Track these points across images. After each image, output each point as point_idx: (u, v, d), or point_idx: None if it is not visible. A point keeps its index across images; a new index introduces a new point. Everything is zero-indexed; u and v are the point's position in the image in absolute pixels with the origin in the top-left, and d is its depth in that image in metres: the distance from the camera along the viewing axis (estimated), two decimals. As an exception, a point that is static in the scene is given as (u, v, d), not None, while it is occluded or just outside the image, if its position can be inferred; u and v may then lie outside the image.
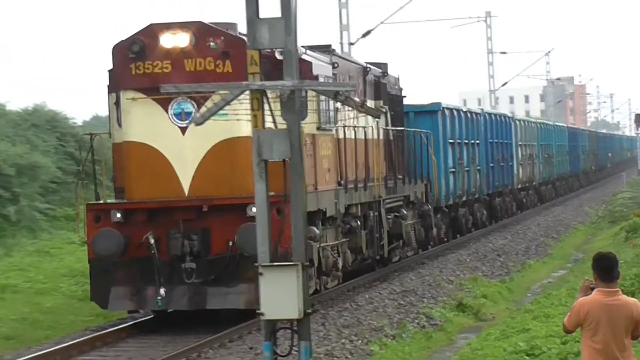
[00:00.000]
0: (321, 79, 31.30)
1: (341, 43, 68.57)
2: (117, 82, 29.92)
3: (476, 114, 67.90)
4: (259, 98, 16.23)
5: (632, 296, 15.82)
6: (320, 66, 32.16)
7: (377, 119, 43.62)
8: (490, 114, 71.98)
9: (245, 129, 28.31)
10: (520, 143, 78.69)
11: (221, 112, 24.07)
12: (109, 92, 32.56)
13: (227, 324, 33.03)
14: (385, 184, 41.78)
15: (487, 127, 69.59)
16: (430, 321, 34.23)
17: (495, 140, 73.40)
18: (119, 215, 29.47)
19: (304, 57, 31.24)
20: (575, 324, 15.68)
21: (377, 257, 42.39)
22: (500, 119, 75.85)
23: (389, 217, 42.44)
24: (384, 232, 41.61)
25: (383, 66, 42.01)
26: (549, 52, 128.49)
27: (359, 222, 37.62)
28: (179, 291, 29.38)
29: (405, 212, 44.43)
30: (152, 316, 33.88)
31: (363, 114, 39.41)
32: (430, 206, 50.79)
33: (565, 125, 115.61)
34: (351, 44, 69.97)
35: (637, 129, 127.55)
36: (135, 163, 30.11)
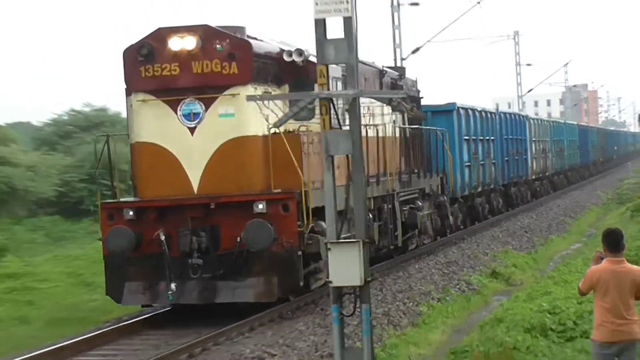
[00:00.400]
0: (330, 80, 24.66)
1: (395, 59, 66.74)
2: (128, 85, 28.57)
3: (491, 113, 64.47)
4: (326, 105, 15.80)
5: (636, 264, 16.27)
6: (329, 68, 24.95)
7: (396, 116, 40.56)
8: (505, 114, 68.61)
9: (252, 128, 27.98)
10: (534, 139, 74.62)
11: (228, 112, 27.88)
12: (126, 95, 30.74)
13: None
14: (399, 178, 38.62)
15: (502, 125, 66.14)
16: (469, 286, 35.08)
17: (510, 137, 68.90)
18: (131, 213, 27.72)
19: (312, 59, 28.36)
20: (589, 287, 15.93)
21: (392, 247, 38.81)
22: (515, 118, 72.30)
23: (405, 208, 39.32)
24: (398, 223, 38.51)
25: (400, 70, 39.50)
26: (567, 63, 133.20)
27: (371, 215, 33.94)
28: (189, 286, 27.31)
29: (420, 203, 40.95)
30: (168, 308, 31.57)
31: (381, 114, 37.81)
32: (446, 197, 46.99)
33: (575, 123, 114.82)
34: (403, 59, 67.30)
35: (637, 124, 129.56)
36: (146, 163, 28.45)
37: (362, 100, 24.65)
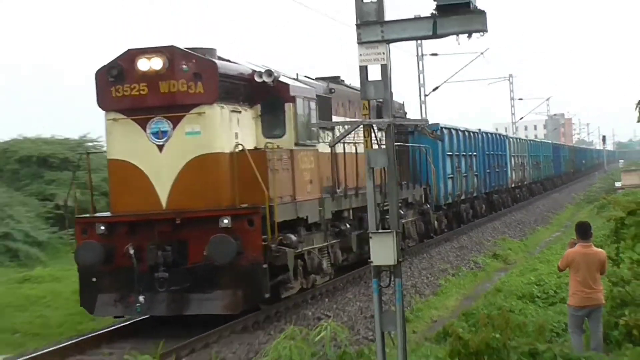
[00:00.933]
0: (299, 99, 27.07)
1: (419, 95, 72.57)
2: (100, 104, 24.83)
3: (474, 132, 59.30)
4: (368, 130, 15.88)
5: (601, 248, 17.68)
6: (299, 88, 27.53)
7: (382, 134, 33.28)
8: (487, 133, 65.04)
9: (218, 145, 24.31)
10: (513, 154, 70.95)
11: (194, 130, 24.10)
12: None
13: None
14: (381, 190, 29.22)
15: (484, 142, 62.16)
16: (476, 265, 37.67)
17: (492, 152, 63.82)
18: (102, 227, 24.11)
19: (282, 79, 26.77)
20: (565, 265, 17.29)
21: None
22: (496, 137, 68.30)
23: (387, 217, 30.90)
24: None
25: None
26: (548, 98, 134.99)
27: (348, 225, 31.13)
28: (158, 298, 23.57)
29: (403, 212, 34.78)
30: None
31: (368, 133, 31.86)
32: (429, 205, 41.98)
33: (550, 141, 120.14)
34: (426, 95, 72.17)
35: (603, 145, 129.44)
36: (117, 179, 25.00)
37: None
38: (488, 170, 61.91)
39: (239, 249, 22.89)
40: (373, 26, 14.17)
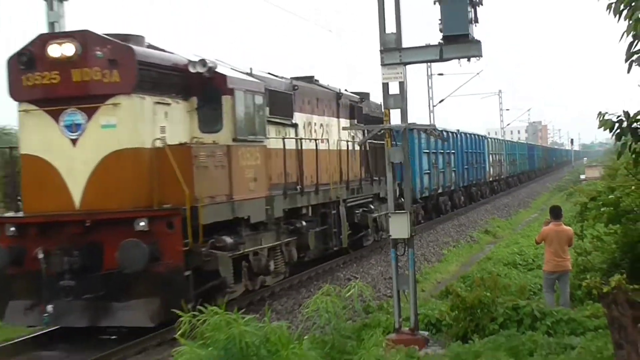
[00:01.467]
0: (239, 92, 21.05)
1: (429, 106, 72.49)
2: (11, 94, 19.18)
3: (452, 132, 53.48)
4: (388, 132, 15.76)
5: (569, 226, 18.15)
6: (239, 80, 21.55)
7: (352, 135, 30.74)
8: (466, 134, 58.78)
9: (136, 140, 18.75)
10: (491, 152, 65.09)
11: (110, 123, 18.52)
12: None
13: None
14: (347, 186, 28.36)
15: (463, 142, 56.15)
16: (472, 238, 37.98)
17: (471, 151, 57.31)
18: (12, 229, 18.61)
19: (220, 70, 21.17)
20: (541, 239, 17.90)
21: (336, 248, 28.53)
22: (475, 137, 62.12)
23: (357, 212, 29.94)
24: (343, 227, 28.24)
25: (362, 94, 30.70)
26: (529, 109, 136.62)
27: (305, 223, 25.62)
28: (70, 307, 18.05)
29: (372, 206, 31.03)
30: None
31: (337, 131, 29.13)
32: (403, 199, 31.48)
33: (525, 142, 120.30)
34: (434, 106, 71.96)
35: (571, 146, 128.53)
36: (29, 176, 19.09)
37: (319, 119, 26.88)
38: (466, 167, 56.98)
39: (156, 254, 18.07)
40: (393, 52, 14.86)
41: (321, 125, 27.21)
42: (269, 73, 25.31)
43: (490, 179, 67.29)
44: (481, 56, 15.20)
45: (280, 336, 5.13)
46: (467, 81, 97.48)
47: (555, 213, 17.66)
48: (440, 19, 14.74)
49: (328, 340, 5.39)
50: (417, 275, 15.56)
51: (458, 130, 58.46)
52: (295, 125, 25.39)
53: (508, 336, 13.18)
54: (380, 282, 22.67)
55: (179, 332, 5.25)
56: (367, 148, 31.42)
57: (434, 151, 46.13)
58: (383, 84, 15.00)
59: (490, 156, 66.67)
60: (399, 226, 15.04)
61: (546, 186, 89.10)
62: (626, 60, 10.65)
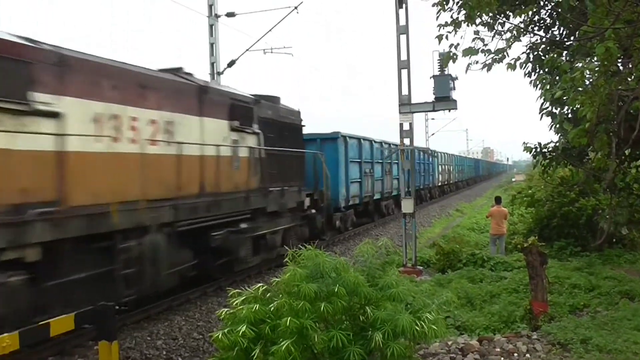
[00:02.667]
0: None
1: (425, 137, 61.39)
2: None
3: (394, 144, 29.18)
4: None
5: (505, 208, 17.20)
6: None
7: (243, 137, 13.89)
8: (418, 149, 34.38)
9: None
10: (440, 163, 47.22)
11: None
12: None
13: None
14: (247, 196, 13.47)
15: (417, 155, 36.64)
16: (449, 214, 34.77)
17: (421, 162, 36.72)
18: None
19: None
20: (489, 215, 17.20)
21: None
22: (426, 152, 42.03)
23: (216, 233, 12.41)
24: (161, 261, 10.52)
25: (276, 99, 16.49)
26: (483, 140, 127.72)
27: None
28: None
29: (245, 225, 13.51)
30: None
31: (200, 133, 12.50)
32: (317, 210, 19.11)
33: (473, 157, 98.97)
34: (429, 136, 61.99)
35: (507, 162, 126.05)
36: None
37: (147, 114, 10.31)
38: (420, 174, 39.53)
39: None
40: (406, 105, 14.29)
41: (152, 121, 10.82)
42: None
43: (439, 184, 48.30)
44: (457, 109, 15.33)
45: (343, 264, 5.29)
46: (448, 123, 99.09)
47: (497, 200, 17.33)
48: (433, 87, 14.63)
49: (366, 269, 5.49)
50: (416, 234, 15.34)
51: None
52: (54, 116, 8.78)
53: (468, 271, 12.92)
54: (395, 238, 21.07)
55: (286, 259, 5.40)
56: (262, 155, 14.79)
57: (367, 160, 25.97)
58: (400, 123, 14.43)
59: (439, 166, 48.06)
60: (407, 205, 14.47)
61: (492, 185, 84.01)
62: (539, 113, 10.72)
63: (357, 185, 25.04)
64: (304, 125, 18.93)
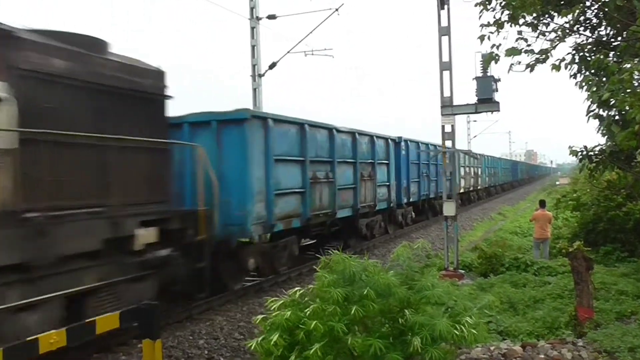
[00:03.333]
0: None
1: (467, 139, 61.91)
2: None
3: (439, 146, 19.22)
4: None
5: (549, 211, 16.94)
6: None
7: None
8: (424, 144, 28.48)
9: None
10: (462, 165, 35.30)
11: None
12: None
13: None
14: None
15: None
16: (491, 217, 33.94)
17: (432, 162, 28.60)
18: None
19: None
20: (533, 219, 16.85)
21: None
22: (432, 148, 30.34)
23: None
24: None
25: (93, 42, 8.11)
26: (527, 142, 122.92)
27: None
28: None
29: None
30: None
31: None
32: (203, 236, 10.08)
33: (509, 158, 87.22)
34: (471, 138, 52.46)
35: (550, 164, 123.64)
36: None
37: None
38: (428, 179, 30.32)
39: None
40: (448, 107, 14.05)
41: None
42: None
43: (462, 190, 37.66)
44: (499, 111, 15.13)
45: (373, 267, 5.27)
46: (490, 125, 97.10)
47: (542, 203, 17.05)
48: (476, 89, 14.45)
49: (404, 273, 5.43)
50: (458, 237, 15.14)
51: (400, 139, 31.09)
52: None
53: (511, 275, 12.74)
54: (436, 241, 21.22)
55: (320, 266, 5.36)
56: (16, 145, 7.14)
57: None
58: (442, 125, 14.16)
59: (462, 169, 37.97)
60: (449, 208, 14.17)
61: (535, 188, 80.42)
62: (586, 115, 10.46)
63: (300, 197, 15.81)
64: (169, 97, 10.14)
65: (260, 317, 5.44)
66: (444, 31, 14.14)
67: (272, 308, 5.37)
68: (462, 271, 14.80)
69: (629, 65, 7.75)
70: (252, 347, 5.08)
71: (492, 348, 7.69)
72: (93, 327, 4.94)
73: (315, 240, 18.30)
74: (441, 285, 5.46)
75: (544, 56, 8.96)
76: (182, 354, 9.36)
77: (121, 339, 9.36)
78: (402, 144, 22.64)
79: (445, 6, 14.16)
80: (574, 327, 8.63)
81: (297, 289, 5.61)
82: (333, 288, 5.07)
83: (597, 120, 10.88)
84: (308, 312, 5.15)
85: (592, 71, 10.96)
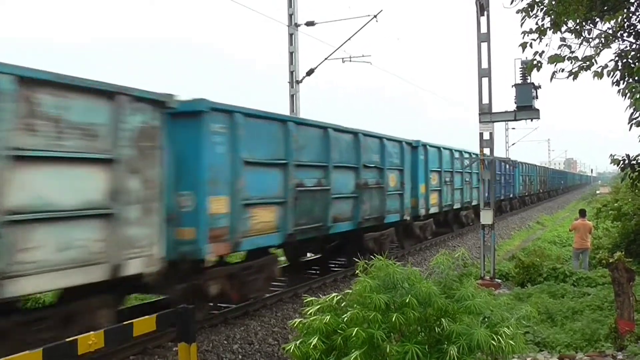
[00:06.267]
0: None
1: (505, 146, 57.81)
2: None
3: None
4: (483, 161, 14.11)
5: (589, 221, 16.86)
6: None
7: None
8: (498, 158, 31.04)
9: None
10: (521, 174, 40.43)
11: None
12: None
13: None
14: None
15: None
16: (529, 226, 33.78)
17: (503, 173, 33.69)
18: None
19: None
20: (572, 229, 16.75)
21: None
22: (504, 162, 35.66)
23: None
24: None
25: None
26: (566, 150, 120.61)
27: None
28: None
29: None
30: None
31: None
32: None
33: (559, 169, 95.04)
34: (509, 146, 58.25)
35: (591, 173, 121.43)
36: None
37: None
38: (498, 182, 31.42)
39: None
40: (487, 115, 13.92)
41: None
42: None
43: (524, 194, 43.59)
44: (539, 119, 14.74)
45: (415, 275, 5.23)
46: (529, 133, 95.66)
47: (582, 213, 16.89)
48: (515, 96, 14.27)
49: (442, 281, 5.39)
50: (495, 246, 14.95)
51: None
52: None
53: (549, 285, 12.63)
54: (473, 250, 20.50)
55: (357, 271, 5.36)
56: None
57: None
58: (480, 133, 14.07)
59: (520, 177, 41.03)
60: (486, 217, 14.07)
61: (574, 197, 79.72)
62: (628, 123, 10.26)
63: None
64: None
65: (297, 320, 5.41)
66: (484, 37, 14.05)
67: (309, 313, 5.33)
68: (499, 280, 14.54)
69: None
70: (290, 350, 5.04)
71: (529, 359, 7.62)
72: (130, 329, 4.99)
73: (319, 256, 16.89)
74: (481, 295, 5.41)
75: (587, 63, 8.80)
76: (216, 358, 9.40)
77: (158, 341, 9.42)
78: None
79: (485, 12, 13.99)
80: (614, 339, 8.49)
81: (334, 294, 5.56)
82: (375, 294, 5.12)
83: (640, 128, 10.76)
84: (346, 318, 5.10)
85: (636, 78, 10.79)
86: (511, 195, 39.60)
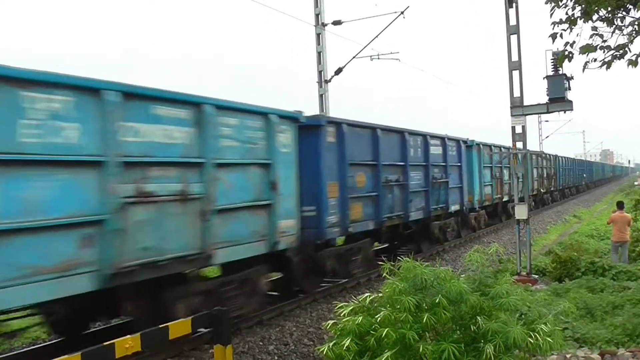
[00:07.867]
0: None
1: (539, 139, 57.85)
2: None
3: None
4: (515, 155, 13.91)
5: (628, 213, 16.58)
6: None
7: None
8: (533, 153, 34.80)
9: None
10: (535, 167, 34.70)
11: None
12: None
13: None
14: None
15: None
16: (565, 220, 33.02)
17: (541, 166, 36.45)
18: None
19: None
20: (610, 221, 16.41)
21: None
22: (547, 155, 39.48)
23: None
24: None
25: None
26: (602, 142, 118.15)
27: None
28: None
29: None
30: None
31: None
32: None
33: (597, 161, 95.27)
34: (542, 139, 58.16)
35: (628, 164, 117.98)
36: None
37: None
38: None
39: None
40: (518, 108, 13.72)
41: None
42: None
43: (543, 190, 37.76)
44: (572, 110, 14.54)
45: (445, 274, 5.17)
46: (563, 125, 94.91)
47: (620, 205, 16.56)
48: (547, 88, 14.10)
49: (476, 278, 5.32)
50: (531, 241, 14.77)
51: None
52: None
53: (587, 280, 12.43)
54: (508, 245, 20.43)
55: (384, 273, 5.31)
56: None
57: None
58: (512, 127, 13.87)
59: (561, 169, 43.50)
60: (520, 211, 13.81)
61: (612, 188, 78.55)
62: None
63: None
64: None
65: (330, 322, 5.41)
66: (513, 30, 13.87)
67: (342, 314, 5.34)
68: (536, 276, 14.41)
69: None
70: (324, 352, 5.05)
71: (568, 356, 7.42)
72: (166, 332, 5.06)
73: (387, 245, 18.23)
74: (516, 292, 5.33)
75: (621, 51, 8.63)
76: None
77: (194, 344, 9.53)
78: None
79: (514, 4, 13.84)
80: (657, 334, 8.84)
81: (366, 294, 5.54)
82: (404, 296, 5.05)
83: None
84: (379, 318, 5.09)
85: (672, 66, 10.57)
86: (552, 189, 40.01)
